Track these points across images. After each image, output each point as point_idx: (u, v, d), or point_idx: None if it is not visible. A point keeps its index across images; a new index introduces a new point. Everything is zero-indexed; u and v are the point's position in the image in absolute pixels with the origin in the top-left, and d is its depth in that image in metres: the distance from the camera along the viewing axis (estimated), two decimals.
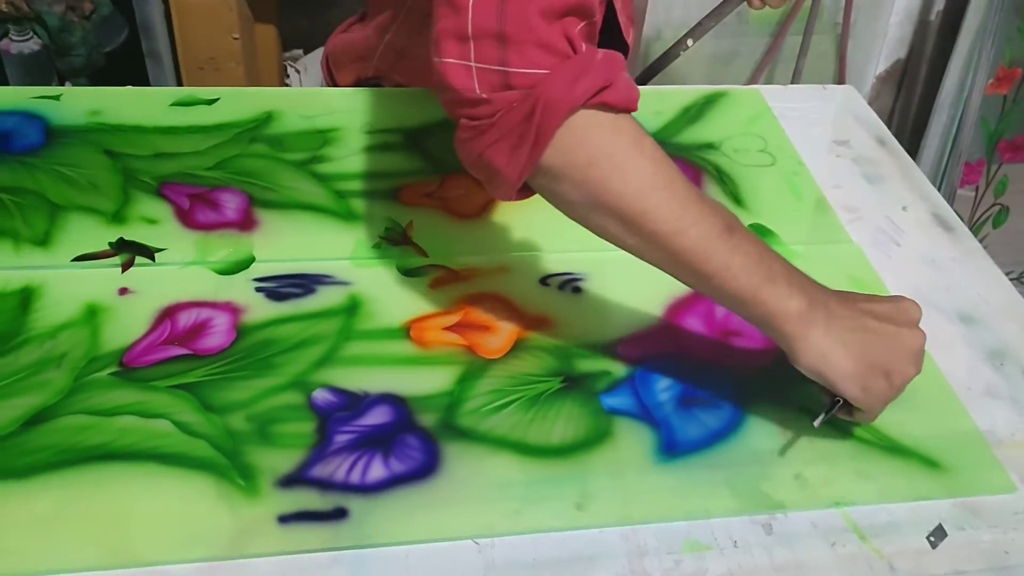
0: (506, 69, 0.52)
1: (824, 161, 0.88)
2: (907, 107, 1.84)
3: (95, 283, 0.67)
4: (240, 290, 0.68)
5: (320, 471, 0.56)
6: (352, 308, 0.67)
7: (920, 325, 0.59)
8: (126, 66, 1.54)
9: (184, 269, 0.69)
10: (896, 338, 0.57)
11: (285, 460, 0.57)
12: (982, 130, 1.73)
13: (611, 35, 0.88)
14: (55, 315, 0.64)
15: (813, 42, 1.70)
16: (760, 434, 0.61)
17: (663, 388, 0.64)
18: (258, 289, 0.68)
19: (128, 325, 0.64)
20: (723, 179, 0.83)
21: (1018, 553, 0.57)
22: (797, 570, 0.55)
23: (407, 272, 0.71)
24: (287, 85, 1.68)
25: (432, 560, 0.53)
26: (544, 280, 0.71)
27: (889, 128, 0.93)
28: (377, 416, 0.60)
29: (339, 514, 0.54)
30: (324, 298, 0.68)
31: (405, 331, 0.66)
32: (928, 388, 0.66)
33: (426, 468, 0.57)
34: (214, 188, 0.76)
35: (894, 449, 0.62)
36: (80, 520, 0.53)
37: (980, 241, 0.82)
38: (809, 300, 0.55)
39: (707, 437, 0.61)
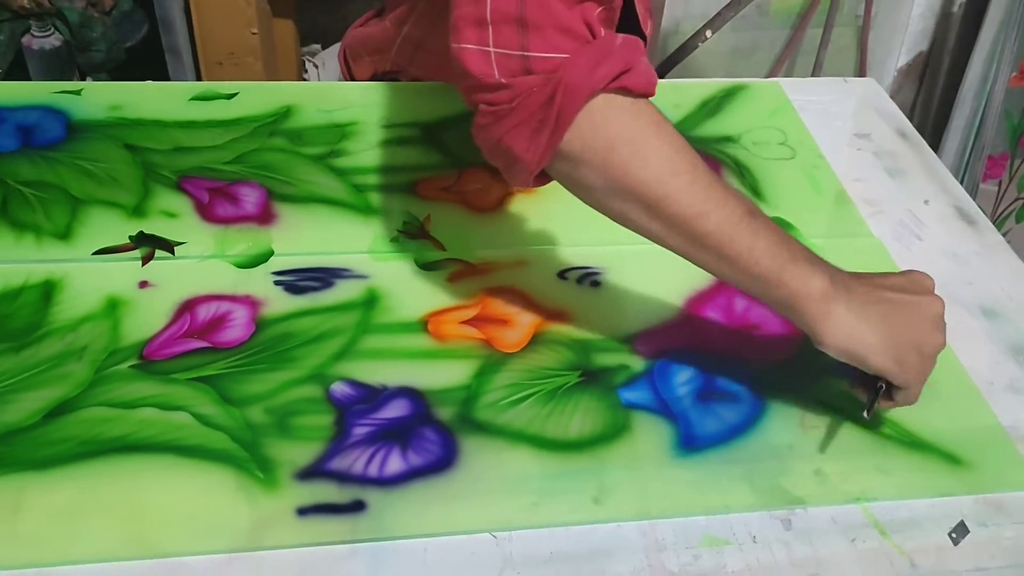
0: (526, 54, 0.52)
1: (845, 154, 0.87)
2: (929, 100, 1.82)
3: (116, 276, 0.67)
4: (259, 284, 0.68)
5: (338, 464, 0.56)
6: (370, 302, 0.67)
7: (943, 318, 0.58)
8: (146, 61, 1.55)
9: (203, 263, 0.69)
10: (917, 307, 0.57)
11: (303, 453, 0.57)
12: (1005, 123, 1.71)
13: (629, 26, 0.87)
14: (76, 308, 0.64)
15: (834, 35, 1.68)
16: (779, 429, 0.61)
17: (681, 382, 0.64)
18: (277, 283, 0.68)
19: (148, 318, 0.64)
20: (742, 172, 0.83)
21: None
22: (817, 566, 0.54)
23: (425, 266, 0.71)
24: (305, 80, 1.68)
25: (449, 553, 0.53)
26: (562, 274, 0.71)
27: (910, 122, 0.93)
28: (395, 409, 0.60)
29: (357, 507, 0.54)
30: (342, 292, 0.68)
31: (423, 325, 0.66)
32: (950, 383, 0.65)
33: (444, 461, 0.57)
34: (233, 182, 0.76)
35: (915, 444, 0.61)
36: (100, 511, 0.53)
37: (1003, 235, 0.81)
38: (830, 280, 0.55)
39: (726, 431, 0.61)
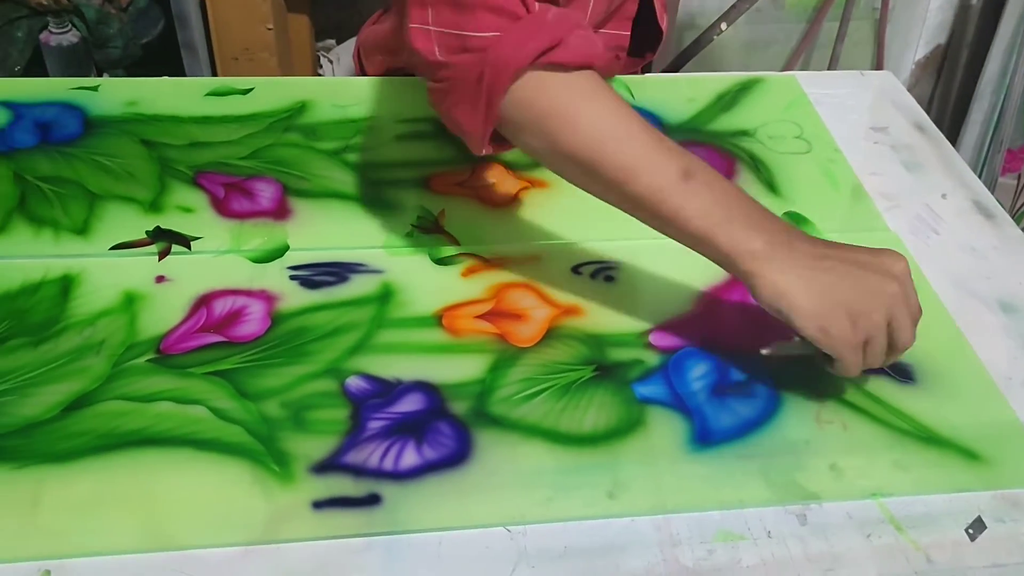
0: (462, 33, 0.56)
1: (861, 148, 0.86)
2: (947, 94, 1.81)
3: (133, 271, 0.68)
4: (274, 278, 0.68)
5: (353, 457, 0.57)
6: (385, 296, 0.67)
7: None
8: (162, 57, 1.55)
9: (219, 257, 0.70)
10: (863, 281, 0.56)
11: (319, 446, 0.57)
12: None
13: (646, 20, 0.87)
14: (94, 303, 0.65)
15: (850, 28, 1.67)
16: (795, 424, 0.61)
17: (696, 377, 0.63)
18: (292, 277, 0.68)
19: (165, 313, 0.65)
20: (757, 166, 0.82)
21: None
22: (832, 561, 0.54)
23: (439, 260, 0.71)
24: (320, 75, 1.69)
25: (464, 546, 0.53)
26: (576, 268, 0.71)
27: (928, 115, 0.92)
28: (410, 403, 0.60)
29: (372, 500, 0.55)
30: (357, 286, 0.68)
31: (437, 319, 0.66)
32: (968, 377, 0.65)
33: (458, 455, 0.57)
34: (248, 177, 0.77)
35: (932, 440, 0.61)
36: (118, 504, 0.53)
37: (1022, 229, 0.80)
38: (768, 240, 0.56)
39: (741, 426, 0.60)
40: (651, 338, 0.66)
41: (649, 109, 0.87)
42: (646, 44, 0.90)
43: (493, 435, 0.59)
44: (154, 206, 0.73)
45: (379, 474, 0.56)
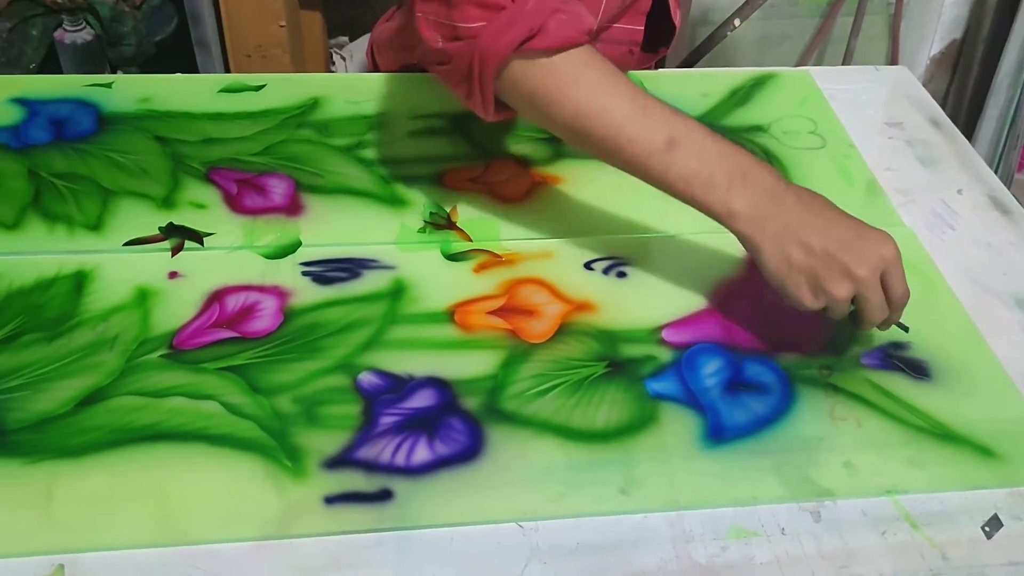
0: (454, 24, 0.62)
1: (876, 143, 0.86)
2: (962, 89, 1.79)
3: (146, 267, 0.68)
4: (287, 274, 0.68)
5: (366, 453, 0.57)
6: (397, 292, 0.67)
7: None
8: (175, 55, 1.56)
9: (232, 253, 0.70)
10: (832, 259, 0.59)
11: (331, 442, 0.57)
12: None
13: (660, 15, 0.87)
14: (107, 298, 0.65)
15: (865, 23, 1.66)
16: (809, 420, 0.61)
17: (709, 373, 0.63)
18: (304, 273, 0.68)
19: (178, 308, 0.65)
20: (772, 161, 0.82)
21: None
22: (846, 558, 0.54)
23: (452, 256, 0.71)
24: (333, 72, 1.69)
25: (476, 542, 0.53)
26: (588, 264, 0.71)
27: (943, 111, 0.91)
28: (422, 399, 0.60)
29: (384, 496, 0.55)
30: (369, 282, 0.68)
31: (449, 315, 0.66)
32: (983, 374, 0.64)
33: (470, 451, 0.57)
34: (261, 173, 0.77)
35: (948, 436, 0.60)
36: (131, 498, 0.54)
37: None
38: (752, 202, 0.60)
39: (754, 423, 0.60)
40: (664, 334, 0.66)
41: None
42: (659, 39, 0.90)
43: (505, 431, 0.58)
44: (167, 202, 0.73)
45: (391, 470, 0.56)
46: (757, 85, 0.91)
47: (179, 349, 0.62)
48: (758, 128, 0.86)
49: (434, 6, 0.63)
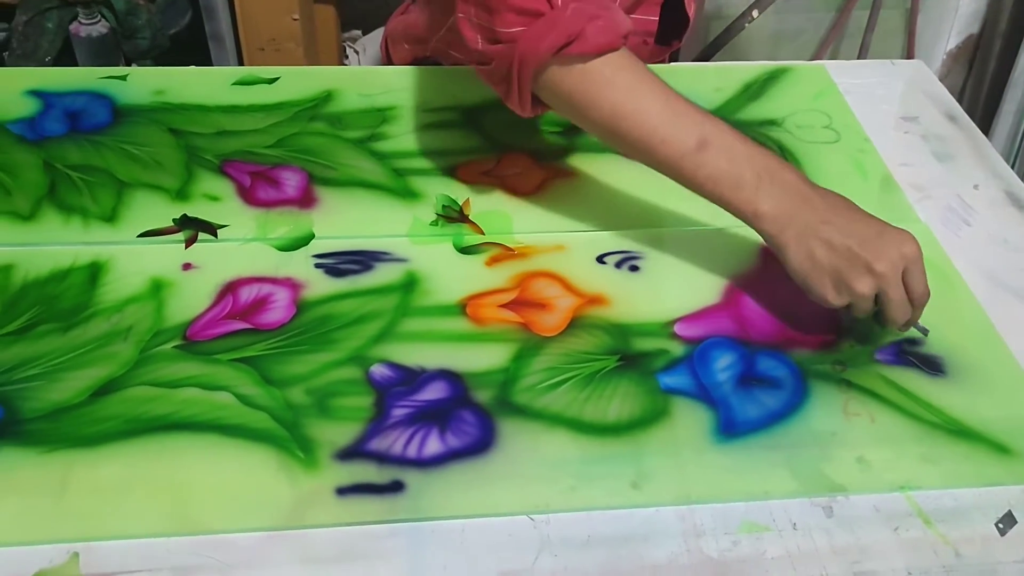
0: (493, 28, 0.64)
1: (891, 138, 0.85)
2: (979, 84, 1.78)
3: (160, 258, 0.68)
4: (300, 266, 0.68)
5: (377, 445, 0.57)
6: (409, 285, 0.67)
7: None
8: (189, 48, 1.56)
9: (245, 245, 0.70)
10: (855, 256, 0.60)
11: (343, 433, 0.57)
12: None
13: (673, 8, 0.86)
14: (122, 289, 0.65)
15: (881, 17, 1.65)
16: (822, 415, 0.60)
17: (722, 368, 0.63)
18: (317, 265, 0.69)
19: (191, 300, 0.65)
20: (786, 156, 0.81)
21: None
22: (859, 553, 0.53)
23: (464, 249, 0.71)
24: (346, 65, 1.69)
25: (487, 534, 0.53)
26: (601, 258, 0.71)
27: (960, 106, 0.90)
28: (433, 391, 0.60)
29: (396, 487, 0.55)
30: (382, 275, 0.68)
31: (461, 308, 0.66)
32: (999, 371, 0.64)
33: (482, 443, 0.57)
34: (275, 166, 0.77)
35: (962, 433, 0.60)
36: (145, 488, 0.54)
37: None
38: (776, 203, 0.62)
39: (766, 417, 0.60)
40: (676, 328, 0.66)
41: None
42: (673, 32, 0.89)
43: (516, 424, 0.58)
44: (181, 194, 0.74)
45: (403, 461, 0.56)
46: (771, 79, 0.91)
47: (192, 340, 0.62)
48: (772, 122, 0.85)
49: (475, 9, 0.65)
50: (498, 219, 0.73)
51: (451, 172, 0.78)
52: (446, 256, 0.70)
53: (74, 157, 0.76)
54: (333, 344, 0.63)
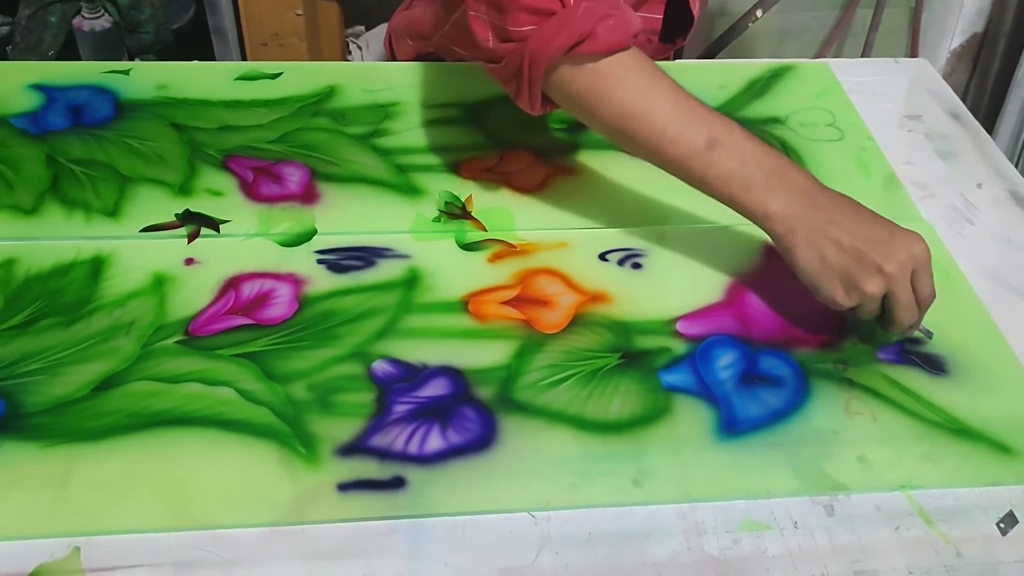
0: (504, 26, 0.64)
1: (895, 136, 0.85)
2: (983, 83, 1.77)
3: (162, 253, 0.68)
4: (302, 262, 0.68)
5: (379, 441, 0.57)
6: (411, 281, 0.67)
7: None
8: (193, 43, 1.56)
9: (248, 241, 0.70)
10: (863, 256, 0.60)
11: (345, 429, 0.57)
12: None
13: (678, 5, 0.86)
14: (124, 284, 0.66)
15: (885, 15, 1.65)
16: (823, 414, 0.60)
17: (723, 366, 0.63)
18: (320, 261, 0.68)
19: (194, 295, 0.65)
20: (789, 154, 0.81)
21: None
22: (859, 552, 0.53)
23: (466, 246, 0.71)
24: (349, 61, 1.69)
25: (488, 531, 0.53)
26: (603, 256, 0.71)
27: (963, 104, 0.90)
28: (435, 388, 0.60)
29: (397, 483, 0.55)
30: (384, 271, 0.68)
31: (463, 304, 0.66)
32: (1001, 370, 0.64)
33: (483, 440, 0.57)
34: (277, 161, 0.77)
35: (963, 432, 0.60)
36: (146, 482, 0.54)
37: None
38: (785, 203, 0.62)
39: (768, 416, 0.60)
40: (678, 326, 0.66)
41: None
42: (677, 29, 0.89)
43: (518, 421, 0.58)
44: (184, 189, 0.74)
45: (404, 458, 0.56)
46: (775, 77, 0.90)
47: (195, 335, 0.62)
48: (776, 120, 0.85)
49: (486, 7, 0.65)
50: (501, 216, 0.73)
51: (454, 168, 0.78)
52: (448, 253, 0.70)
53: (77, 151, 0.76)
54: (335, 340, 0.63)
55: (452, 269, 0.69)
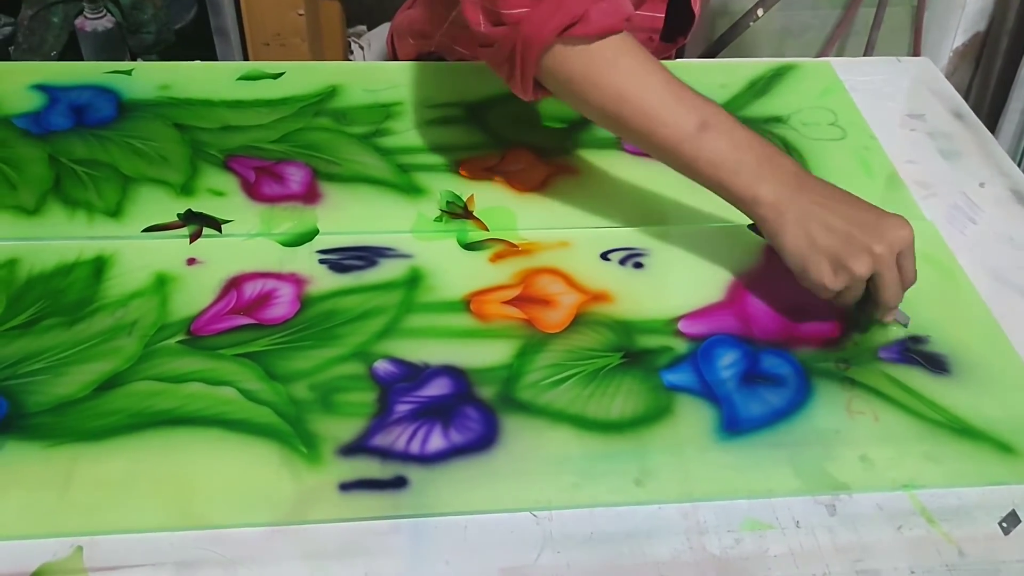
0: (497, 9, 0.64)
1: (897, 135, 0.85)
2: (985, 82, 1.77)
3: (164, 253, 0.68)
4: (304, 262, 0.68)
5: (381, 440, 0.57)
6: (413, 281, 0.67)
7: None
8: (195, 43, 1.56)
9: (250, 240, 0.70)
10: (853, 237, 0.60)
11: (346, 429, 0.57)
12: None
13: (679, 3, 0.86)
14: (126, 284, 0.66)
15: (887, 14, 1.64)
16: (825, 413, 0.60)
17: (725, 365, 0.63)
18: (321, 261, 0.69)
19: (196, 294, 0.65)
20: (791, 152, 0.81)
21: None
22: (861, 552, 0.53)
23: (468, 245, 0.71)
24: (351, 61, 1.69)
25: (490, 530, 0.53)
26: (605, 255, 0.71)
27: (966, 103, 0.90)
28: (437, 387, 0.60)
29: (399, 483, 0.55)
30: (386, 270, 0.68)
31: (465, 304, 0.66)
32: (1003, 369, 0.64)
33: (485, 440, 0.57)
34: (279, 161, 0.77)
35: (966, 432, 0.60)
36: (149, 482, 0.54)
37: None
38: (774, 188, 0.62)
39: (770, 415, 0.60)
40: (680, 325, 0.66)
41: None
42: (679, 28, 0.89)
43: (520, 420, 0.58)
44: (186, 189, 0.74)
45: (406, 457, 0.56)
46: (777, 76, 0.90)
47: (197, 335, 0.62)
48: (778, 119, 0.85)
49: None
50: (502, 215, 0.73)
51: (455, 168, 0.78)
52: (450, 252, 0.70)
53: (79, 151, 0.77)
54: (337, 340, 0.63)
55: (454, 269, 0.69)
